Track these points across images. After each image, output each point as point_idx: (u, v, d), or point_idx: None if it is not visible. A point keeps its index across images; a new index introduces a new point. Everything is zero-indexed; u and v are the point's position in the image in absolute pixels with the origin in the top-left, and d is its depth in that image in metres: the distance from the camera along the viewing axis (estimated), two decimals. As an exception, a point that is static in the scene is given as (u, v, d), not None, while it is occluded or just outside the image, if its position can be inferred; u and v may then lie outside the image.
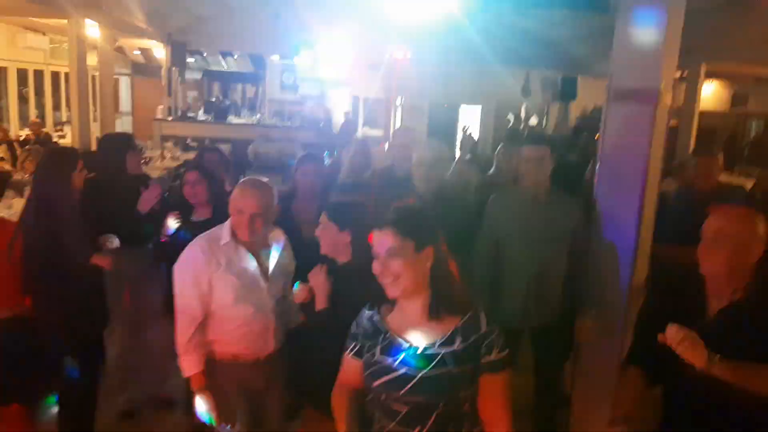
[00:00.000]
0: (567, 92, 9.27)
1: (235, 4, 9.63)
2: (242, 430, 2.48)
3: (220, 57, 14.87)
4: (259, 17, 9.64)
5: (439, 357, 1.70)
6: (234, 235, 2.41)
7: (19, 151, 7.50)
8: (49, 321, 2.98)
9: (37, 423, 3.40)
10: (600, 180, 3.33)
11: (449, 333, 1.73)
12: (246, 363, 2.46)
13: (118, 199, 3.34)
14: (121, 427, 3.54)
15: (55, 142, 9.47)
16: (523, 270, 3.09)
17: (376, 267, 1.73)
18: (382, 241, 1.72)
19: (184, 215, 3.31)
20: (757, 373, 1.73)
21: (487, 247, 3.18)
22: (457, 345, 1.71)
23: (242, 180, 2.48)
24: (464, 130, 7.81)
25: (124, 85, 15.72)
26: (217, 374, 2.44)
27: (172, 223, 3.19)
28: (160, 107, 12.03)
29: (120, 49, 12.88)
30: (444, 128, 9.86)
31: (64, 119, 12.28)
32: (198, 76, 16.67)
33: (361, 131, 11.45)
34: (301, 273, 2.46)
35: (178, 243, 2.74)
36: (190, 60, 12.97)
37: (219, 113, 13.38)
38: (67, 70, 8.41)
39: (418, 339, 1.74)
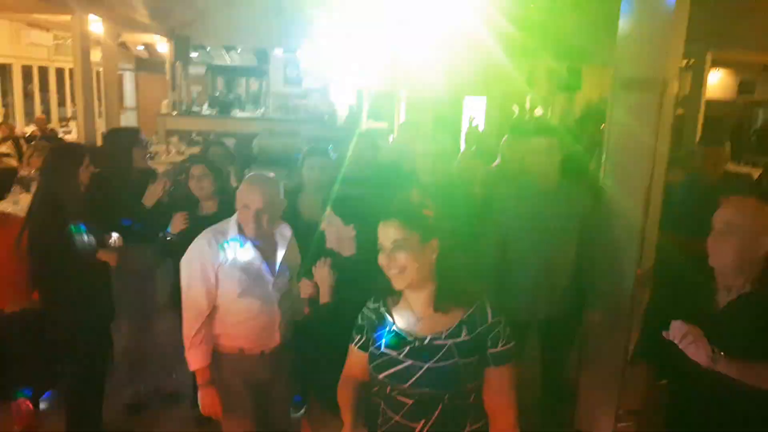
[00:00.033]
0: (572, 83, 9.23)
1: (238, -2, 9.64)
2: (248, 424, 2.49)
3: (224, 51, 14.86)
4: (262, 11, 9.62)
5: (445, 348, 1.70)
6: (240, 229, 2.41)
7: (24, 147, 7.54)
8: (56, 315, 3.00)
9: (43, 417, 3.44)
10: (606, 170, 3.32)
11: (455, 324, 1.73)
12: (251, 356, 2.47)
13: (125, 193, 3.35)
14: (127, 421, 3.57)
15: (61, 138, 9.50)
16: (531, 261, 3.07)
17: (381, 259, 1.73)
18: (387, 233, 1.72)
19: (190, 209, 3.32)
20: (762, 370, 1.72)
21: (494, 239, 3.16)
22: (463, 336, 1.71)
23: (248, 175, 2.48)
24: (470, 122, 7.79)
25: (129, 80, 15.74)
26: (222, 368, 2.46)
27: (180, 224, 3.18)
28: (165, 102, 12.04)
29: (123, 45, 12.90)
30: (449, 120, 9.82)
31: (69, 115, 12.32)
32: (202, 70, 16.66)
33: (366, 124, 11.44)
34: (306, 267, 2.47)
35: (184, 240, 2.75)
36: (193, 55, 12.96)
37: (223, 107, 13.39)
38: (71, 66, 8.43)
39: (424, 331, 1.75)
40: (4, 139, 8.62)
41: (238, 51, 14.79)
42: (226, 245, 2.40)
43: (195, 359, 2.42)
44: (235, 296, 2.40)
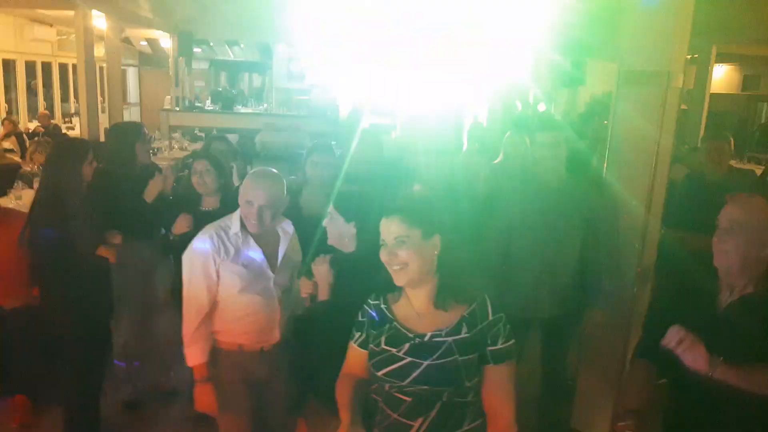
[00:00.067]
0: (575, 77, 9.17)
1: (242, -7, 9.60)
2: (245, 421, 2.49)
3: (227, 46, 14.84)
4: (266, 6, 9.59)
5: (445, 346, 1.70)
6: (243, 225, 2.41)
7: (28, 142, 7.55)
8: (56, 311, 3.01)
9: (43, 414, 3.45)
10: (608, 165, 3.31)
11: (456, 322, 1.73)
12: (250, 353, 2.47)
13: (128, 189, 3.36)
14: (125, 418, 3.57)
15: (64, 134, 9.52)
16: (534, 259, 3.04)
17: (383, 255, 1.73)
18: (390, 229, 1.72)
19: (192, 205, 3.32)
20: (761, 376, 1.71)
21: (498, 235, 3.13)
22: (463, 334, 1.71)
23: (252, 171, 2.48)
24: (474, 118, 7.77)
25: (132, 76, 15.75)
26: (221, 364, 2.46)
27: (183, 227, 3.17)
28: (168, 98, 12.04)
29: (127, 40, 12.90)
30: (451, 117, 9.79)
31: (72, 111, 12.33)
32: (205, 66, 16.66)
33: (369, 120, 11.41)
34: (308, 264, 2.46)
35: (185, 238, 2.74)
36: (196, 50, 12.94)
37: (226, 103, 13.37)
38: (74, 61, 8.43)
39: (424, 328, 1.75)
40: (7, 135, 8.65)
41: (242, 46, 14.78)
42: (228, 241, 2.40)
43: (193, 355, 2.42)
44: (235, 292, 2.40)
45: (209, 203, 3.32)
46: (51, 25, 11.15)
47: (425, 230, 1.71)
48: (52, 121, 10.09)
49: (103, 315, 3.20)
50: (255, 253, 2.43)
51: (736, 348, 1.75)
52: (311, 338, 2.38)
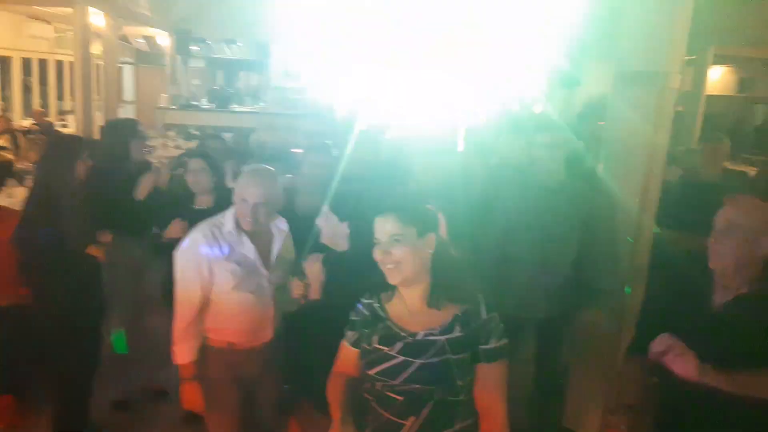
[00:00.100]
0: (571, 78, 9.18)
1: (239, -9, 9.60)
2: (234, 420, 2.48)
3: (224, 45, 14.81)
4: (263, 4, 9.58)
5: (438, 345, 1.70)
6: (237, 222, 2.40)
7: (22, 140, 7.52)
8: (46, 310, 2.98)
9: (30, 414, 3.42)
10: (604, 165, 3.30)
11: (449, 321, 1.73)
12: (242, 351, 2.46)
13: (122, 187, 3.34)
14: (115, 419, 3.55)
15: (58, 131, 9.47)
16: (530, 259, 3.03)
17: (377, 253, 1.73)
18: (384, 227, 1.72)
19: (186, 203, 3.30)
20: (751, 381, 1.70)
21: (495, 235, 3.14)
22: (456, 333, 1.71)
23: (248, 168, 2.47)
24: (470, 119, 7.75)
25: (128, 73, 15.69)
26: (211, 362, 2.45)
27: (176, 232, 3.13)
28: (164, 95, 12.01)
29: (123, 38, 12.86)
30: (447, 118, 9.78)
31: (67, 108, 12.29)
32: (202, 64, 16.61)
33: (365, 120, 11.39)
34: (301, 262, 2.45)
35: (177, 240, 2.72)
36: (193, 48, 12.91)
37: (222, 101, 13.34)
38: (71, 59, 8.39)
39: (417, 326, 1.74)
40: (2, 132, 8.60)
41: (239, 44, 14.75)
42: (221, 238, 2.39)
43: (182, 353, 2.41)
44: (228, 289, 2.38)
45: (203, 202, 3.31)
46: (48, 22, 11.11)
47: (420, 229, 1.71)
48: (46, 118, 10.04)
49: (93, 314, 3.17)
50: (249, 251, 2.42)
51: (730, 348, 1.75)
52: (302, 337, 2.37)
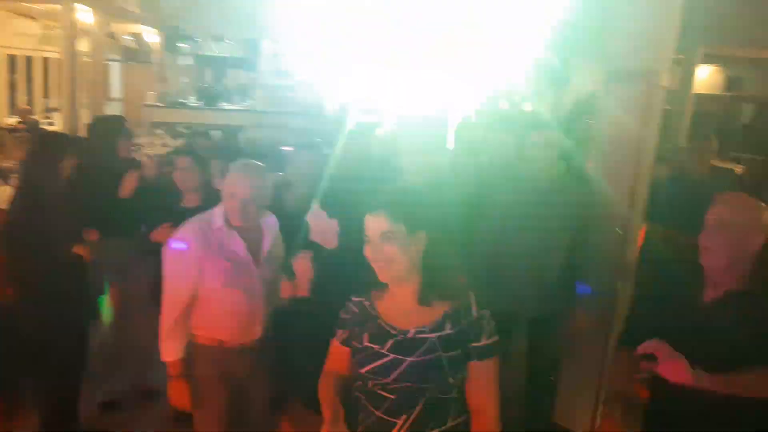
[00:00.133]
0: (561, 76, 9.20)
1: (228, -12, 9.54)
2: (222, 419, 2.46)
3: (213, 42, 14.71)
4: (253, 1, 9.53)
5: (429, 342, 1.69)
6: (226, 219, 2.38)
7: (7, 138, 7.43)
8: (31, 311, 2.95)
9: (17, 416, 3.38)
10: (594, 163, 3.31)
11: (439, 318, 1.72)
12: (231, 349, 2.44)
13: (108, 185, 3.30)
14: (104, 420, 3.51)
15: (44, 129, 9.37)
16: (522, 257, 3.04)
17: (367, 251, 1.72)
18: (374, 224, 1.70)
19: (173, 202, 3.27)
20: (744, 381, 1.70)
21: (490, 232, 3.14)
22: (447, 330, 1.70)
23: (236, 163, 2.44)
24: (465, 117, 7.75)
25: (115, 70, 15.55)
26: (200, 361, 2.43)
27: (163, 236, 3.08)
28: (151, 93, 11.92)
29: (111, 35, 12.73)
30: (438, 115, 9.77)
31: (53, 106, 12.16)
32: (190, 61, 16.49)
33: (355, 117, 11.40)
34: (290, 259, 2.44)
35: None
36: (182, 45, 12.84)
37: (210, 99, 13.28)
38: (57, 56, 8.31)
39: (407, 324, 1.73)
40: (-13, 130, 8.50)
41: (228, 42, 14.66)
42: (211, 234, 2.36)
43: (169, 350, 2.39)
44: (219, 286, 2.36)
45: (191, 200, 3.28)
46: (35, 19, 10.99)
47: (410, 226, 1.69)
48: (32, 116, 9.93)
49: (79, 314, 3.14)
50: (239, 248, 2.40)
51: (720, 344, 1.75)
52: (292, 334, 2.36)
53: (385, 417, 1.70)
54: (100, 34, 7.54)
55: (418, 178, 3.04)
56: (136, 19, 9.44)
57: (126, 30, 12.65)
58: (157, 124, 10.49)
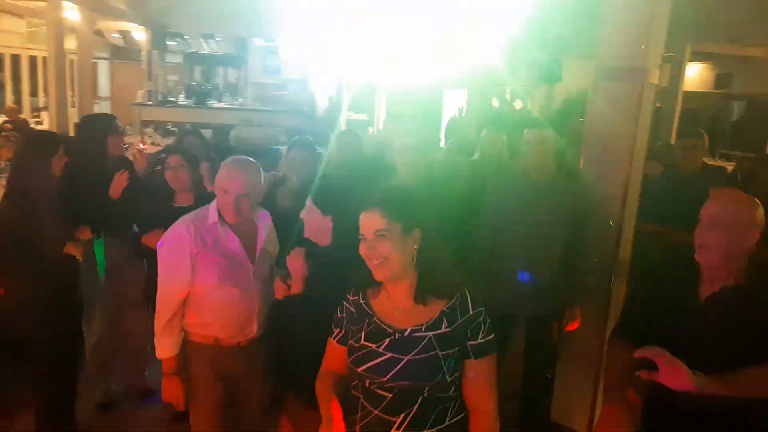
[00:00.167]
0: (552, 74, 9.23)
1: (217, -15, 9.47)
2: (217, 418, 2.45)
3: (202, 40, 14.63)
4: (241, -3, 9.47)
5: (426, 341, 1.68)
6: (220, 215, 2.36)
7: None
8: (23, 311, 2.92)
9: (13, 416, 3.35)
10: (586, 161, 3.32)
11: (435, 316, 1.71)
12: (227, 347, 2.43)
13: (99, 184, 3.27)
14: (100, 420, 3.49)
15: (33, 128, 9.28)
16: (519, 255, 3.05)
17: (363, 249, 1.71)
18: (369, 222, 1.70)
19: (165, 201, 3.25)
20: (743, 381, 1.69)
21: (485, 230, 3.14)
22: (444, 328, 1.70)
23: (228, 160, 2.43)
24: (460, 113, 7.77)
25: (103, 69, 15.43)
26: (195, 359, 2.42)
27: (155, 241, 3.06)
28: (140, 92, 11.84)
29: (98, 32, 12.62)
30: (429, 113, 9.78)
31: (41, 105, 12.05)
32: (179, 59, 16.40)
33: (346, 116, 11.42)
34: (284, 256, 2.43)
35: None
36: (170, 43, 12.74)
37: (200, 97, 13.21)
38: (44, 54, 8.22)
39: (404, 323, 1.72)
40: (-26, 130, 8.40)
41: (217, 40, 14.59)
42: (205, 231, 2.35)
43: (164, 348, 2.38)
44: (214, 283, 2.35)
45: (183, 199, 3.26)
46: (21, 17, 10.87)
47: (405, 224, 1.69)
48: (20, 115, 9.83)
49: (72, 314, 3.11)
50: (233, 244, 2.39)
51: (717, 339, 1.75)
52: (285, 332, 2.34)
53: (383, 415, 1.70)
54: (87, 31, 7.46)
55: (411, 175, 3.04)
56: (124, 17, 9.35)
57: (114, 28, 12.55)
58: (146, 123, 10.42)
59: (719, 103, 12.03)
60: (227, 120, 11.81)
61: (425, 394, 1.67)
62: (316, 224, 2.26)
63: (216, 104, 13.60)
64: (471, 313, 1.71)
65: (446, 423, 1.71)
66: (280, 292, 2.33)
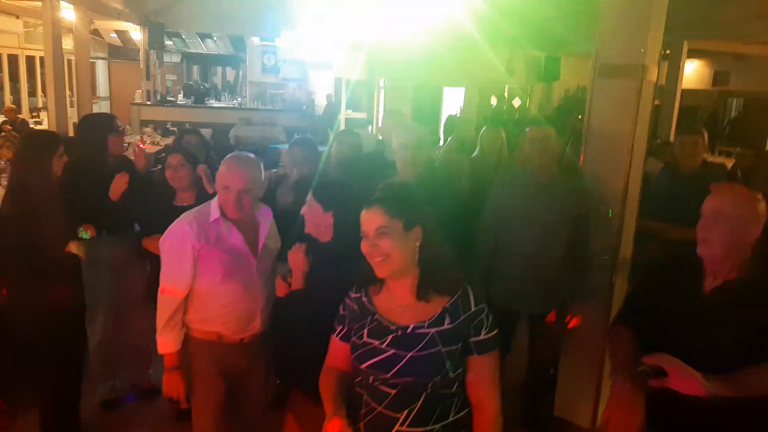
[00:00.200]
0: (550, 72, 9.25)
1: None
2: (220, 414, 2.46)
3: (199, 39, 14.64)
4: (239, -3, 9.46)
5: (428, 337, 1.69)
6: (222, 212, 2.37)
7: (-6, 138, 7.33)
8: (26, 311, 2.92)
9: (18, 416, 3.35)
10: (586, 158, 3.33)
11: (438, 313, 1.72)
12: (230, 344, 2.43)
13: (100, 183, 3.27)
14: (104, 418, 3.49)
15: (32, 129, 9.27)
16: (522, 252, 3.06)
17: (365, 247, 1.71)
18: (371, 219, 1.70)
19: (166, 200, 3.25)
20: (751, 381, 1.69)
21: (489, 227, 3.16)
22: (446, 325, 1.70)
23: (228, 156, 2.43)
24: (460, 110, 7.77)
25: (101, 69, 15.42)
26: (198, 355, 2.42)
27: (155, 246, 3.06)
28: (139, 91, 11.84)
29: (96, 32, 12.62)
30: (428, 111, 9.81)
31: (40, 105, 12.03)
32: (177, 59, 16.40)
33: (344, 114, 11.45)
34: (285, 253, 2.44)
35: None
36: (168, 42, 12.74)
37: (198, 97, 13.21)
38: (42, 54, 8.21)
39: (406, 319, 1.73)
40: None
41: (215, 39, 14.59)
42: (207, 228, 2.36)
43: (166, 343, 2.38)
44: (218, 280, 2.35)
45: (184, 198, 3.26)
46: (17, 17, 10.86)
47: (407, 221, 1.70)
48: (19, 116, 9.82)
49: (74, 313, 3.11)
50: (236, 240, 2.40)
51: (722, 333, 1.76)
52: (288, 328, 2.35)
53: (387, 412, 1.70)
54: (84, 31, 7.44)
55: (410, 172, 3.05)
56: (120, 16, 9.33)
57: (111, 28, 12.54)
58: (145, 123, 10.42)
59: (717, 101, 12.06)
60: (226, 119, 11.82)
61: (429, 391, 1.67)
62: (317, 220, 2.27)
63: (215, 103, 13.60)
64: (473, 309, 1.72)
65: (450, 419, 1.71)
66: (281, 290, 2.34)
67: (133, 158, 3.68)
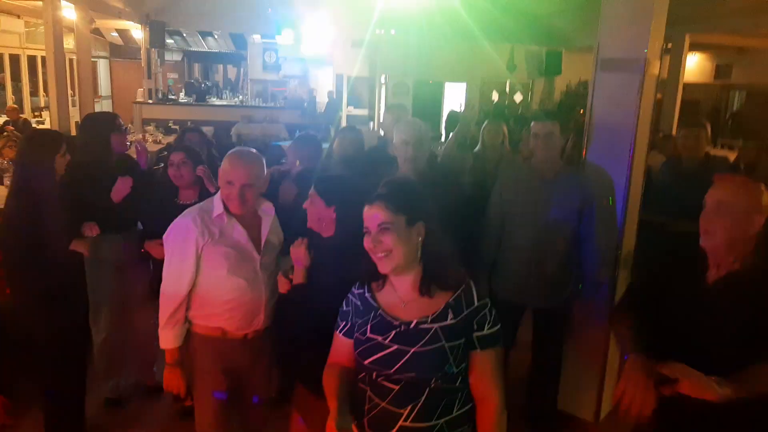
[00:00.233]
0: (552, 67, 9.23)
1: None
2: (222, 410, 2.47)
3: (201, 37, 14.63)
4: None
5: (431, 332, 1.69)
6: (225, 207, 2.38)
7: (-3, 137, 7.34)
8: (29, 309, 2.92)
9: (22, 414, 3.36)
10: (588, 152, 3.33)
11: (441, 308, 1.72)
12: (233, 340, 2.44)
13: (102, 181, 3.27)
14: (109, 415, 3.51)
15: (35, 128, 9.29)
16: (527, 246, 3.06)
17: (367, 243, 1.72)
18: (373, 215, 1.71)
19: (169, 198, 3.26)
20: (762, 379, 1.67)
21: (493, 222, 3.16)
22: (449, 320, 1.70)
23: (231, 151, 2.44)
24: (461, 107, 7.76)
25: (103, 68, 15.44)
26: (202, 350, 2.43)
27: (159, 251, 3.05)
28: (140, 90, 11.85)
29: (97, 31, 12.63)
30: (429, 106, 9.80)
31: (42, 105, 12.05)
32: (178, 57, 16.41)
33: (346, 111, 11.44)
34: (287, 248, 2.44)
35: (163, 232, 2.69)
36: (169, 41, 12.75)
37: (200, 95, 13.21)
38: (43, 53, 8.21)
39: (409, 315, 1.73)
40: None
41: (216, 37, 14.58)
42: (211, 223, 2.36)
43: (169, 339, 2.39)
44: (222, 275, 2.36)
45: (187, 196, 3.26)
46: (18, 17, 10.87)
47: (409, 217, 1.70)
48: (21, 115, 9.84)
49: (78, 311, 3.12)
50: (240, 236, 2.40)
51: (726, 325, 1.76)
52: (291, 323, 2.36)
53: (390, 407, 1.70)
54: (85, 31, 7.44)
55: (412, 168, 3.05)
56: (121, 15, 9.33)
57: (112, 27, 12.54)
58: (147, 121, 10.43)
59: (719, 94, 12.03)
60: (228, 117, 11.83)
61: (432, 386, 1.68)
62: (319, 215, 2.28)
63: (216, 101, 13.60)
64: (476, 304, 1.72)
65: (453, 414, 1.72)
66: (282, 286, 2.34)
67: (136, 153, 3.69)
